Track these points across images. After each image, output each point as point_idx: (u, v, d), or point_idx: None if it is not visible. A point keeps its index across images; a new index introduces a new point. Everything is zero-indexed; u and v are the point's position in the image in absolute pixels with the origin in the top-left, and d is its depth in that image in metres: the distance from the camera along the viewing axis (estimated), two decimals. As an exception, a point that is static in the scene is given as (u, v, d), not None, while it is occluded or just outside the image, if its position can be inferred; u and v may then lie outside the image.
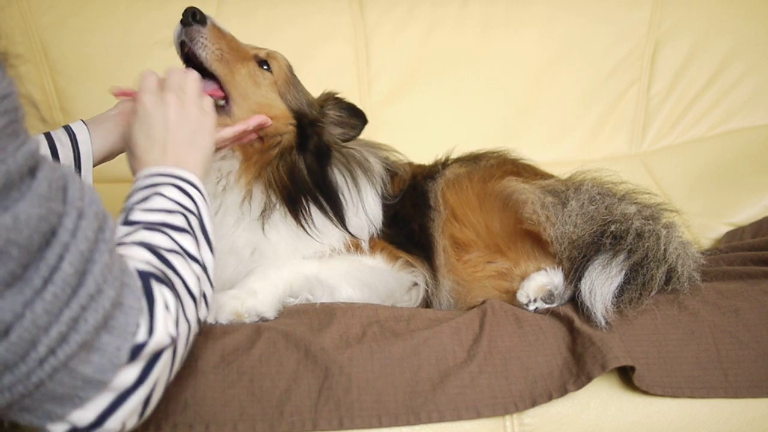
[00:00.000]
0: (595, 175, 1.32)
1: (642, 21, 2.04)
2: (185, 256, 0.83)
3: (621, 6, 2.05)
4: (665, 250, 1.12)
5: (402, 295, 1.29)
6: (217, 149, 1.17)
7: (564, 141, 2.03)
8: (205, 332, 0.99)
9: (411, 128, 1.97)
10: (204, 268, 0.89)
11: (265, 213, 1.23)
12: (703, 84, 2.03)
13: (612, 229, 1.12)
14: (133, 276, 0.71)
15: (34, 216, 0.60)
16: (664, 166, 1.98)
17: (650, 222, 1.17)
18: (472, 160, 1.46)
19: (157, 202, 0.87)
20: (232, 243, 1.23)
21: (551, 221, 1.18)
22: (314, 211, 1.25)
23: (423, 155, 1.56)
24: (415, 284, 1.30)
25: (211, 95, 1.16)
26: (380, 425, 0.92)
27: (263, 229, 1.23)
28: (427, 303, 1.31)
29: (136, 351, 0.67)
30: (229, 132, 1.17)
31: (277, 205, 1.24)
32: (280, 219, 1.25)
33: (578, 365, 0.98)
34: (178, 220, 0.87)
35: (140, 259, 0.76)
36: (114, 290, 0.66)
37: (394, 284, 1.27)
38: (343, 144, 1.36)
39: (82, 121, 1.09)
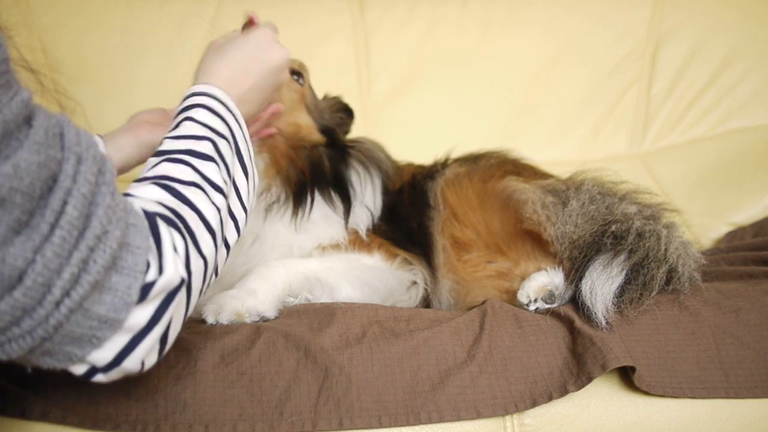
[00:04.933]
0: (595, 175, 1.31)
1: (642, 20, 2.04)
2: (206, 186, 0.85)
3: (621, 6, 2.05)
4: (666, 250, 1.12)
5: (401, 295, 1.28)
6: None
7: (564, 141, 2.03)
8: (205, 332, 0.99)
9: (411, 128, 1.97)
10: (237, 191, 0.91)
11: (274, 204, 1.27)
12: (703, 83, 2.02)
13: (613, 229, 1.12)
14: (139, 216, 0.72)
15: (33, 163, 0.62)
16: (664, 166, 1.98)
17: (651, 222, 1.17)
18: (472, 159, 1.46)
19: (186, 128, 0.90)
20: None
21: (551, 221, 1.17)
22: (318, 203, 1.28)
23: (423, 155, 1.56)
24: (414, 283, 1.30)
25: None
26: (380, 425, 0.91)
27: (265, 218, 1.26)
28: (426, 303, 1.31)
29: (146, 289, 0.69)
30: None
31: (284, 197, 1.28)
32: (284, 208, 1.28)
33: (578, 365, 0.97)
34: (205, 147, 0.88)
35: (150, 199, 0.78)
36: (119, 230, 0.68)
37: (394, 282, 1.27)
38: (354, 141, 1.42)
39: (98, 135, 1.12)
